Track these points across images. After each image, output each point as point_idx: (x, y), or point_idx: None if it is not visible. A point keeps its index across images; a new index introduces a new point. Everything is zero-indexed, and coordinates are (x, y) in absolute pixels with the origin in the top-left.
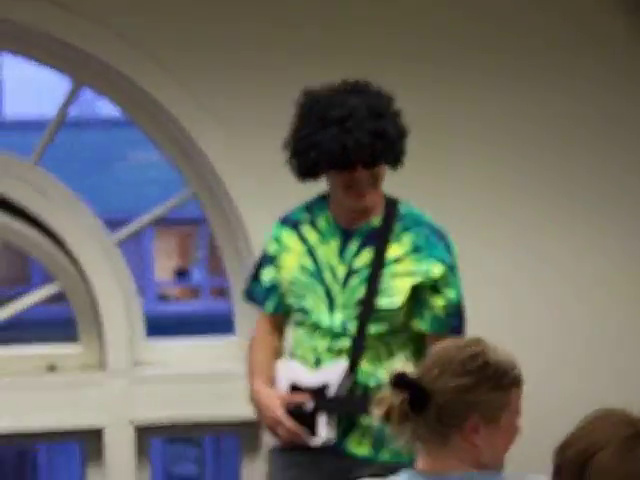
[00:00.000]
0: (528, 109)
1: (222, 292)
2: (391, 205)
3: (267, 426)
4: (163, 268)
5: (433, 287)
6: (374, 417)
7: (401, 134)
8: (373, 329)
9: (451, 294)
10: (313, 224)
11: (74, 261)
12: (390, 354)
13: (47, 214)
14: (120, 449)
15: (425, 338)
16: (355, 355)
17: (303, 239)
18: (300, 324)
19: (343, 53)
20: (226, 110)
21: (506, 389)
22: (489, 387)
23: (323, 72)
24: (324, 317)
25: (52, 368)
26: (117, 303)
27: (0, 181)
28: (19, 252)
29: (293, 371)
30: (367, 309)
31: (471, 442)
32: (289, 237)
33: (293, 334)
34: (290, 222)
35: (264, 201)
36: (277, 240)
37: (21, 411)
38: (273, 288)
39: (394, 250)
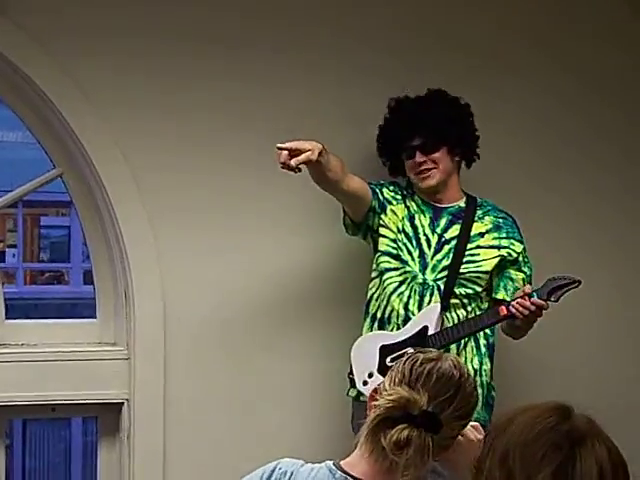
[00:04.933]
0: None
1: (35, 277)
2: (470, 196)
3: None
4: None
5: (514, 262)
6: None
7: (455, 120)
8: (455, 291)
9: (527, 270)
10: (412, 197)
11: None
12: (465, 317)
13: None
14: None
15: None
16: (444, 304)
17: (406, 205)
18: (391, 270)
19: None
20: (99, 92)
21: None
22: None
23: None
24: (418, 272)
25: None
26: None
27: None
28: None
29: (379, 337)
30: (453, 273)
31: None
32: (395, 198)
33: (376, 282)
34: (397, 185)
35: (134, 186)
36: (394, 191)
37: None
38: (383, 203)
39: (478, 227)
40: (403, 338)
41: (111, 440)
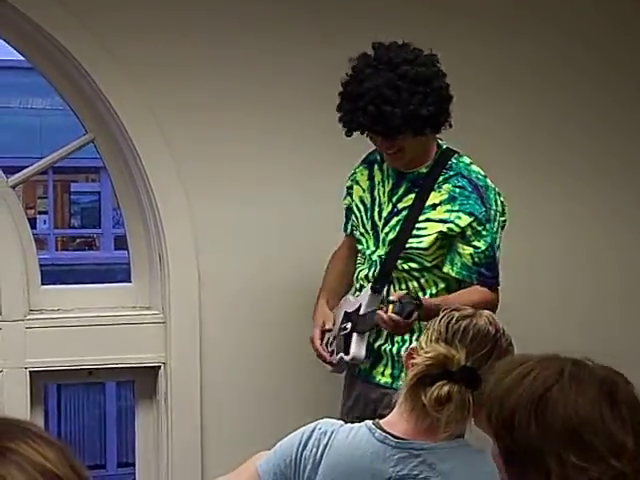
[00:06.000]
0: None
1: (66, 243)
2: (444, 156)
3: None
4: None
5: (462, 236)
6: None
7: (416, 110)
8: (403, 265)
9: (479, 244)
10: (381, 165)
11: None
12: (420, 289)
13: None
14: (15, 393)
15: (460, 282)
16: (381, 282)
17: (371, 176)
18: (359, 250)
19: None
20: (129, 52)
21: None
22: None
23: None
24: (370, 249)
25: None
26: (14, 249)
27: None
28: None
29: (346, 301)
30: (397, 247)
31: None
32: (361, 173)
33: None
34: (367, 161)
35: (167, 148)
36: (354, 174)
37: None
38: (349, 212)
39: (434, 197)
40: (349, 310)
41: (148, 403)
